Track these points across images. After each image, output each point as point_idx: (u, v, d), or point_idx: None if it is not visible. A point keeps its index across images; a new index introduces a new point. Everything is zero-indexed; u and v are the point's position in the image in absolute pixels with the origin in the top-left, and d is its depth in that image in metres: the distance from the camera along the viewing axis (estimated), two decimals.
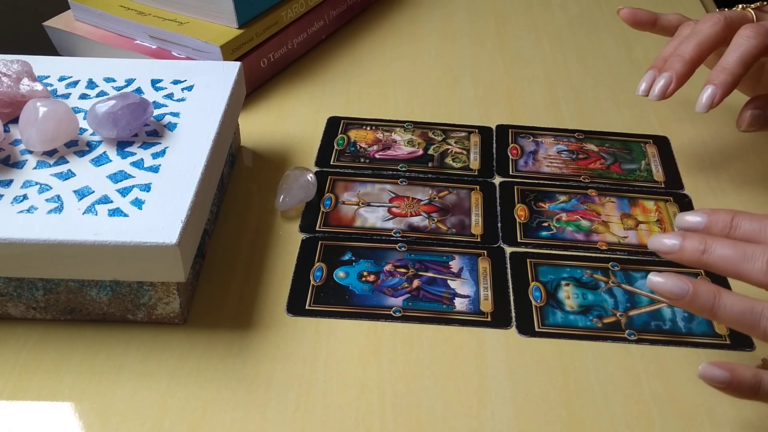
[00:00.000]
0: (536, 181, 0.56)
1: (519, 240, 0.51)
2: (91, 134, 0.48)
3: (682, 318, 0.46)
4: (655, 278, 0.38)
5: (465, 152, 0.58)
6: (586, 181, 0.56)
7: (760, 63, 0.53)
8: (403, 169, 0.57)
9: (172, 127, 0.48)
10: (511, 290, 0.47)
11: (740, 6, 0.53)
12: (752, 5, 0.53)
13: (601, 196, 0.54)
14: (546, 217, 0.52)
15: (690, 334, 0.45)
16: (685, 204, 0.54)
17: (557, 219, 0.52)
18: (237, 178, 0.55)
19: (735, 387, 0.37)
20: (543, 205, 0.53)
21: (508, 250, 0.50)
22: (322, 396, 0.41)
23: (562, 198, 0.54)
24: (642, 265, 0.49)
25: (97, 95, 0.51)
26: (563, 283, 0.48)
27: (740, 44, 0.49)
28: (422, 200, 0.54)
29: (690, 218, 0.41)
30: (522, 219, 0.52)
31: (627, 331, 0.45)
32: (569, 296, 0.47)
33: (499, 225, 0.52)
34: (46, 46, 0.67)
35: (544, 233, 0.51)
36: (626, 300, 0.47)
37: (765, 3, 0.54)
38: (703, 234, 0.39)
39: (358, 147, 0.58)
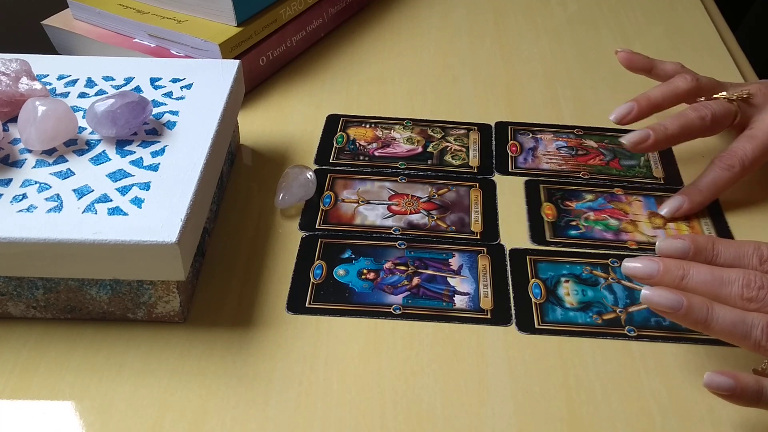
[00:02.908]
0: (561, 179, 0.55)
1: (548, 239, 0.50)
2: (90, 133, 0.48)
3: None
4: (648, 292, 0.39)
5: (464, 149, 0.58)
6: (586, 177, 0.56)
7: None
8: (403, 166, 0.56)
9: (171, 125, 0.48)
10: (510, 287, 0.47)
11: (724, 95, 0.53)
12: (737, 94, 0.53)
13: (628, 195, 0.54)
14: (574, 216, 0.52)
15: (689, 330, 0.45)
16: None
17: (585, 218, 0.52)
18: (236, 177, 0.55)
19: (739, 394, 0.37)
20: (570, 203, 0.53)
21: (509, 247, 0.50)
22: (323, 394, 0.41)
23: (589, 197, 0.54)
24: None
25: (96, 94, 0.51)
26: (563, 279, 0.48)
27: (687, 116, 0.51)
28: (422, 198, 0.54)
29: (672, 245, 0.42)
30: (550, 218, 0.52)
31: (627, 328, 0.45)
32: (569, 293, 0.47)
33: (528, 224, 0.51)
34: (45, 45, 0.67)
35: (573, 232, 0.51)
36: (626, 296, 0.47)
37: (750, 95, 0.53)
38: (678, 259, 0.41)
39: (358, 145, 0.58)
